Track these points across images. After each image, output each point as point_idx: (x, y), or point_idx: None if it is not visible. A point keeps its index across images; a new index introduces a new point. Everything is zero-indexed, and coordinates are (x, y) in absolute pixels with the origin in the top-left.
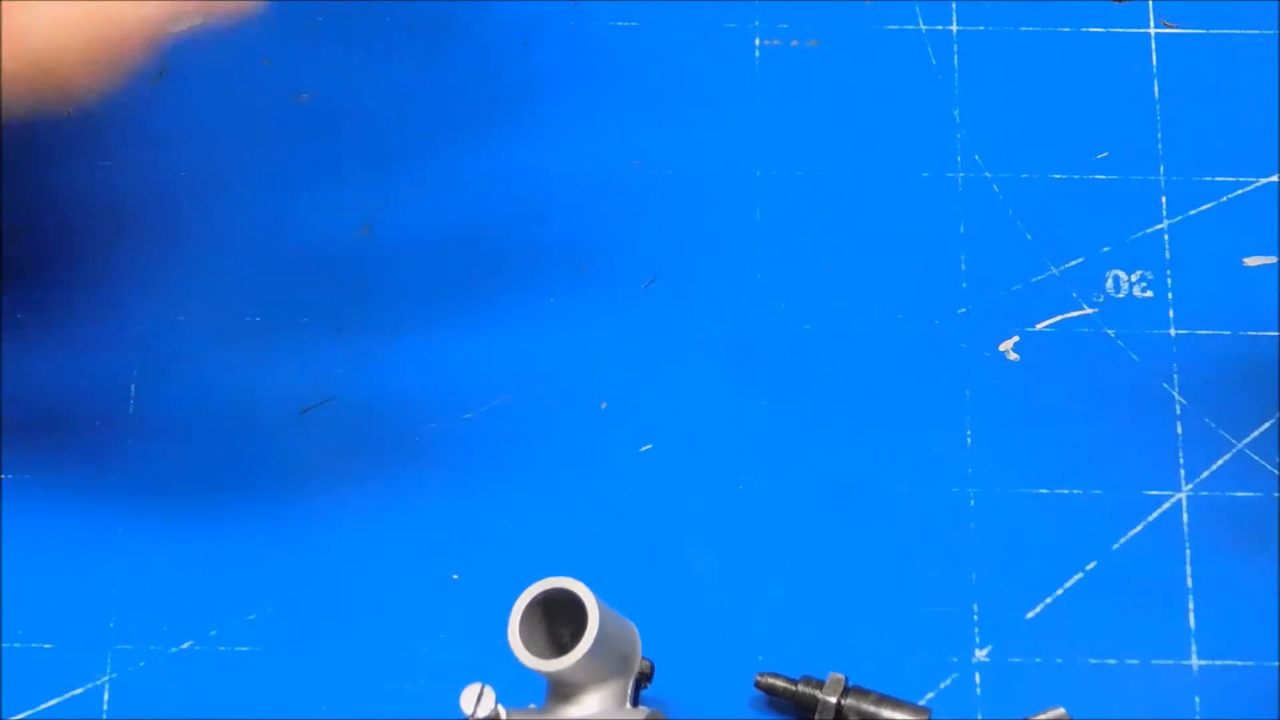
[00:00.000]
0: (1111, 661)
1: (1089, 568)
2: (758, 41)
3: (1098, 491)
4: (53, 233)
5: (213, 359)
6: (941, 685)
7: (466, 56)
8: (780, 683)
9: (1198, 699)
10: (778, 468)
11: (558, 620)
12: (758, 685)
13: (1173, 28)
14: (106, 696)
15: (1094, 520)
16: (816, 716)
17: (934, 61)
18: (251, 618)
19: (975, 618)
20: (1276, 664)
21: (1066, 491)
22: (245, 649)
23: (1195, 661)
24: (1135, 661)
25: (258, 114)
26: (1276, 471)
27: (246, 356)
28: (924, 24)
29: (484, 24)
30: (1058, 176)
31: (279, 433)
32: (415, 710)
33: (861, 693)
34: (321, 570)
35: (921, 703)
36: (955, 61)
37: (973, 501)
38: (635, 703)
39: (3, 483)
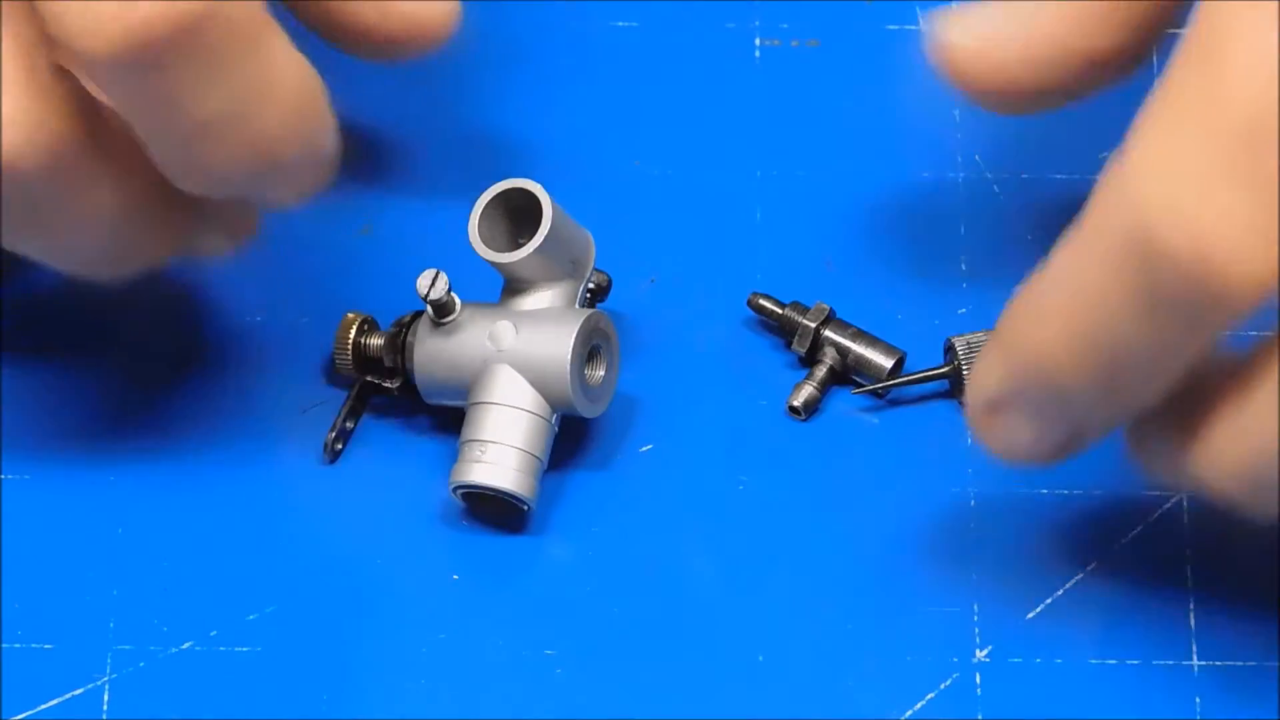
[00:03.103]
0: (1111, 662)
1: (1089, 568)
2: (758, 41)
3: (1098, 491)
4: None
5: (213, 359)
6: (941, 685)
7: (467, 56)
8: (769, 303)
9: (1198, 699)
10: (778, 468)
11: (520, 228)
12: (749, 303)
13: (1172, 28)
14: (106, 697)
15: (1094, 520)
16: (794, 341)
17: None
18: (251, 618)
19: (975, 618)
20: (1276, 664)
21: (1066, 491)
22: (245, 649)
23: (1195, 661)
24: (1135, 661)
25: None
26: None
27: (246, 356)
28: (924, 24)
29: (484, 24)
30: (1058, 176)
31: (279, 432)
32: (415, 710)
33: (842, 325)
34: (321, 570)
35: (920, 703)
36: None
37: (973, 502)
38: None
39: (3, 483)
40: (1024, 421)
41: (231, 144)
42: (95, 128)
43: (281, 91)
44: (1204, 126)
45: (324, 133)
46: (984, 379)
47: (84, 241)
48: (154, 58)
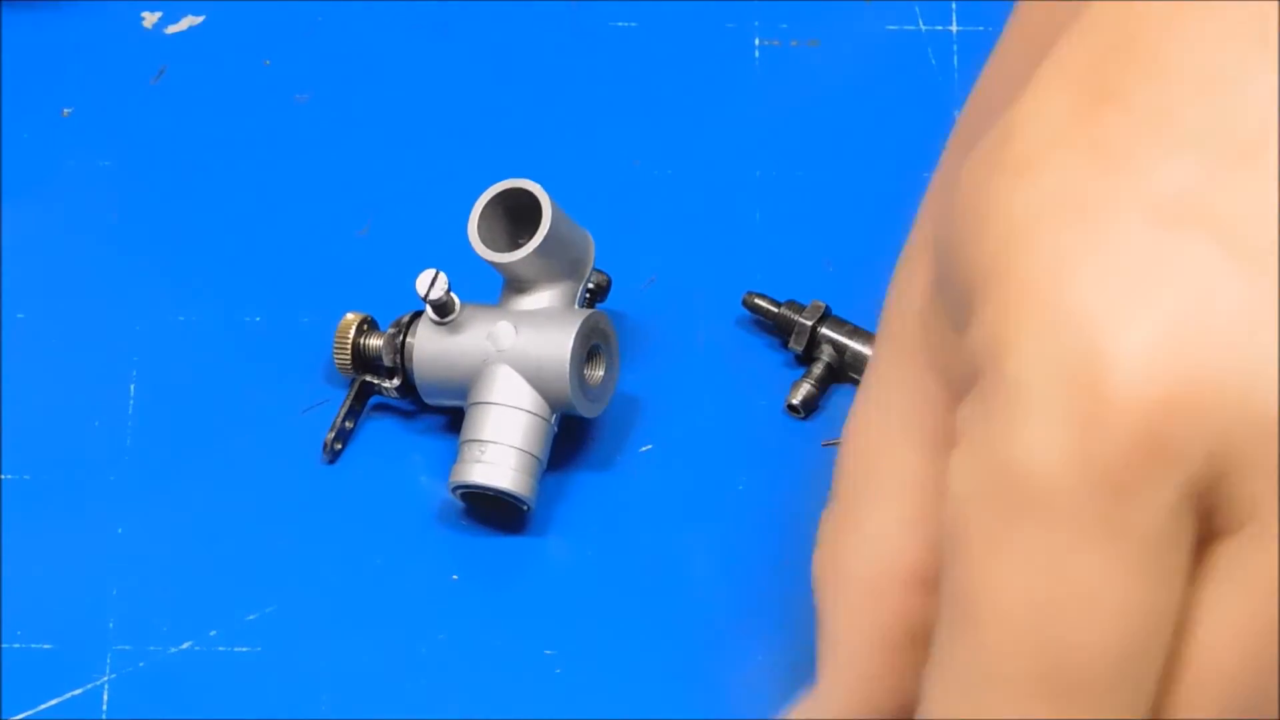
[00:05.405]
0: None
1: None
2: (758, 41)
3: None
4: (53, 232)
5: (213, 359)
6: None
7: (466, 56)
8: (764, 302)
9: None
10: (778, 468)
11: (520, 228)
12: (744, 303)
13: None
14: (106, 696)
15: None
16: (791, 340)
17: (934, 61)
18: (251, 618)
19: None
20: None
21: None
22: (245, 649)
23: None
24: None
25: (258, 114)
26: None
27: (246, 356)
28: (924, 24)
29: (484, 24)
30: None
31: (278, 433)
32: (415, 710)
33: (838, 322)
34: (321, 570)
35: None
36: (955, 61)
37: None
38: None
39: (2, 483)
40: None
41: None
42: None
43: None
44: None
45: None
46: None
47: None
48: None
